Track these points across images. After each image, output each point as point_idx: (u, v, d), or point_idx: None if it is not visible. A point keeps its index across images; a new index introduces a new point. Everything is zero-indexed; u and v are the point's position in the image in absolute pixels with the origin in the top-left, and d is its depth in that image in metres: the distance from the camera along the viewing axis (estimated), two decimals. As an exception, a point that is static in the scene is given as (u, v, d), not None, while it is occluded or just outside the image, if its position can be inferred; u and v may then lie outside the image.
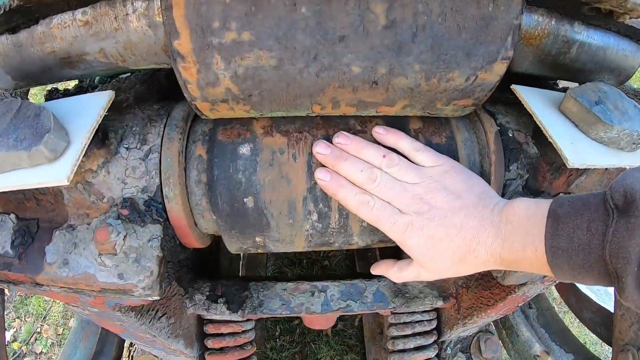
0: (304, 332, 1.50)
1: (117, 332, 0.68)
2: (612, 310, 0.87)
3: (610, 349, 0.82)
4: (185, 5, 0.32)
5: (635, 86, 0.77)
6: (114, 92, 0.47)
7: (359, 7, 0.32)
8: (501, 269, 0.43)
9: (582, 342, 1.05)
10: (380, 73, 0.36)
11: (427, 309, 0.83)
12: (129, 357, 0.97)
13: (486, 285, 0.70)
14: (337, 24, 0.32)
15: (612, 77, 0.61)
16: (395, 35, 0.33)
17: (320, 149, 0.45)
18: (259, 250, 0.55)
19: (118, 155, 0.46)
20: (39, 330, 1.87)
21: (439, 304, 0.80)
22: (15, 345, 1.76)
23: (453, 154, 0.49)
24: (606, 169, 0.56)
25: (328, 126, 0.47)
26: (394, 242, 0.51)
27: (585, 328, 1.03)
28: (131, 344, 1.00)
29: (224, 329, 0.80)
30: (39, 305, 1.93)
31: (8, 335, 1.75)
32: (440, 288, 0.81)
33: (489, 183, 0.49)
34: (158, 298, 0.45)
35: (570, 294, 1.08)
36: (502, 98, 0.57)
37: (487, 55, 0.36)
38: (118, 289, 0.43)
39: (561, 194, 0.47)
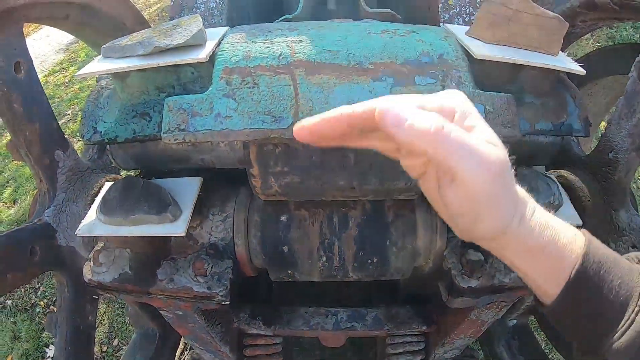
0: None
1: (184, 335, 0.95)
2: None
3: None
4: (256, 154, 0.63)
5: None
6: (202, 178, 0.78)
7: (341, 155, 0.62)
8: (519, 237, 0.35)
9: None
10: (355, 184, 0.65)
11: (415, 333, 1.06)
12: None
13: (451, 311, 0.93)
14: (330, 162, 0.62)
15: (538, 160, 0.87)
16: (360, 167, 0.63)
17: None
18: (290, 279, 0.82)
19: (208, 219, 0.76)
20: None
21: (424, 327, 1.03)
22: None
23: (414, 221, 0.76)
24: None
25: (332, 206, 0.76)
26: (381, 277, 0.78)
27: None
28: (181, 354, 1.27)
29: (259, 341, 1.06)
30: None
31: (53, 351, 1.99)
32: (425, 316, 1.05)
33: (437, 239, 0.75)
34: (229, 303, 0.73)
35: (547, 327, 1.26)
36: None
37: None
38: (206, 296, 0.72)
39: None
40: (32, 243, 0.81)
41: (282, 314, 1.04)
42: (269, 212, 0.77)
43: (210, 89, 0.61)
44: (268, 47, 0.64)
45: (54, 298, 2.04)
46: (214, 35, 0.71)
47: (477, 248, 0.77)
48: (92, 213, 0.77)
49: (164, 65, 0.65)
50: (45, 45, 3.79)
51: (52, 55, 3.64)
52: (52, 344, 1.94)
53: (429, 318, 1.03)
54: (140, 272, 0.78)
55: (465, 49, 0.68)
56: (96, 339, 2.12)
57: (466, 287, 0.73)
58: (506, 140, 0.66)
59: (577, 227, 0.78)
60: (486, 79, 0.69)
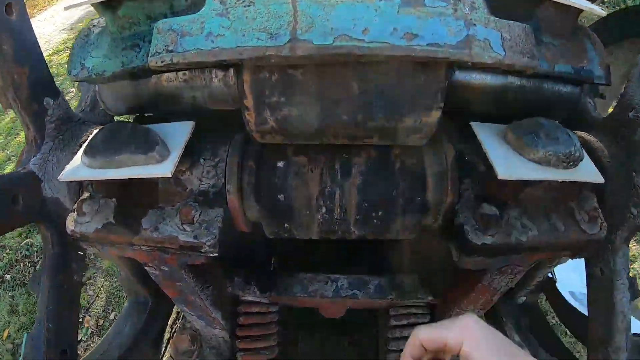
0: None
1: (173, 297, 0.90)
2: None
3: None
4: (250, 82, 0.58)
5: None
6: (194, 122, 0.73)
7: (343, 82, 0.56)
8: None
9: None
10: (359, 118, 0.59)
11: (421, 304, 1.01)
12: (170, 332, 1.19)
13: (461, 278, 0.87)
14: (331, 93, 0.57)
15: (557, 112, 0.80)
16: (365, 97, 0.57)
17: None
18: (287, 235, 0.77)
19: (198, 163, 0.71)
20: (81, 320, 2.01)
21: (429, 298, 0.97)
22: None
23: (423, 172, 0.70)
24: (550, 183, 0.73)
25: (333, 151, 0.71)
26: (386, 235, 0.72)
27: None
28: (173, 323, 1.22)
29: (254, 309, 1.01)
30: (83, 299, 2.07)
31: None
32: (432, 287, 0.99)
33: (447, 191, 0.69)
34: (217, 255, 0.68)
35: (558, 307, 1.20)
36: (469, 132, 0.78)
37: (425, 106, 0.59)
38: (192, 246, 0.67)
39: None
40: (15, 191, 0.77)
41: (279, 279, 0.99)
42: (265, 157, 0.72)
43: (202, 9, 0.56)
44: (266, -32, 0.58)
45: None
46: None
47: (492, 201, 0.71)
48: (77, 157, 0.72)
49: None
50: (50, 25, 3.77)
51: (57, 35, 3.61)
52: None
53: (436, 288, 0.98)
54: (125, 221, 0.73)
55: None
56: (93, 312, 2.09)
57: (480, 244, 0.67)
58: (525, 70, 0.61)
59: (599, 184, 0.72)
60: (500, 11, 0.63)
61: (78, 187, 0.82)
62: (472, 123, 0.71)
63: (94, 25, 0.74)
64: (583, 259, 0.84)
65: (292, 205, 0.71)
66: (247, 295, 0.99)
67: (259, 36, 0.51)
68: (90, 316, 2.07)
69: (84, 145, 0.76)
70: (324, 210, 0.71)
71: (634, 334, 0.79)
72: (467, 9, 0.56)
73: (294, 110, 0.59)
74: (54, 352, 0.84)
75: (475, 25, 0.55)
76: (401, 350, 0.75)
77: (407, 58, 0.52)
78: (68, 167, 0.71)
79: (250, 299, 1.00)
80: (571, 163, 0.68)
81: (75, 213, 0.75)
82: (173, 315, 1.21)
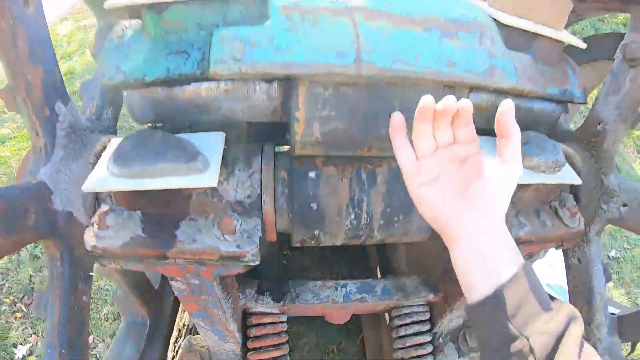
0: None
1: (193, 312, 0.88)
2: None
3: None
4: (306, 94, 0.62)
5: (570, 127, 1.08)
6: (225, 133, 0.74)
7: (387, 102, 0.63)
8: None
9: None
10: None
11: (422, 303, 1.09)
12: (174, 351, 1.15)
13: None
14: (376, 109, 0.64)
15: (542, 127, 0.94)
16: (406, 114, 0.64)
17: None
18: (313, 243, 0.80)
19: (234, 174, 0.73)
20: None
21: (431, 296, 1.05)
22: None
23: None
24: (537, 186, 0.85)
25: (359, 162, 0.77)
26: (404, 238, 0.79)
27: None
28: (175, 341, 1.17)
29: (266, 319, 1.02)
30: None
31: (23, 349, 1.76)
32: (432, 286, 1.08)
33: None
34: (258, 263, 0.69)
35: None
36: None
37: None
38: (234, 256, 0.68)
39: None
40: (26, 204, 0.72)
41: (291, 288, 1.01)
42: (297, 168, 0.75)
43: (268, 22, 0.59)
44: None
45: (21, 295, 1.82)
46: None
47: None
48: (102, 167, 0.70)
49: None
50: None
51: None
52: (21, 344, 1.73)
53: (435, 287, 1.06)
54: (156, 234, 0.71)
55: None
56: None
57: None
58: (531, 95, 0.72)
59: (577, 186, 0.86)
60: (507, 43, 0.74)
61: (94, 199, 0.78)
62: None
63: (125, 27, 0.72)
64: (555, 258, 0.97)
65: (323, 213, 0.75)
66: (258, 306, 1.00)
67: (328, 54, 0.56)
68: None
69: (106, 155, 0.74)
70: (352, 216, 0.76)
71: (610, 313, 0.93)
72: (489, 41, 0.66)
73: (341, 125, 0.65)
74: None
75: (495, 56, 0.65)
76: (407, 347, 0.90)
77: (449, 82, 0.60)
78: (92, 177, 0.69)
79: (261, 309, 1.01)
80: (557, 168, 0.81)
81: (96, 227, 0.72)
82: (174, 334, 1.16)
